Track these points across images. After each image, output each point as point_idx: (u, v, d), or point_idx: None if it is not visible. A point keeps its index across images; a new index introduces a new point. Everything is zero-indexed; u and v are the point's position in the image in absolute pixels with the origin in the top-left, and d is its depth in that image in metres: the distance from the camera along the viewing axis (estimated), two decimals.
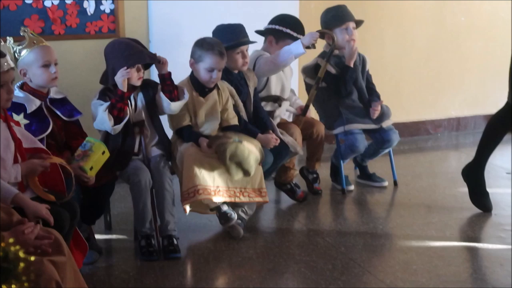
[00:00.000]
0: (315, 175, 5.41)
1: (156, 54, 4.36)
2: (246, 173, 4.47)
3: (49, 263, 2.85)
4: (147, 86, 4.44)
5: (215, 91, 4.62)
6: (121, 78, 4.20)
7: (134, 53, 4.31)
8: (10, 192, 3.28)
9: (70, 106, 4.17)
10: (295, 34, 5.04)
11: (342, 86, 5.31)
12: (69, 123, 4.15)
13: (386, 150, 5.51)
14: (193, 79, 4.59)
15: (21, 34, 3.99)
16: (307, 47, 4.89)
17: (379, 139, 5.43)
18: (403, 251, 4.42)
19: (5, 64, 3.40)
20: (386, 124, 5.40)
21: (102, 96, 4.28)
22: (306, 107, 5.25)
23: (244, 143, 4.43)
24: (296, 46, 4.85)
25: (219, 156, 4.41)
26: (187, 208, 4.43)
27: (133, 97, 4.37)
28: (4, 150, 3.40)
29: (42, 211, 3.26)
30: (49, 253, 2.93)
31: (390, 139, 5.39)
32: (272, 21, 5.17)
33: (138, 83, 4.34)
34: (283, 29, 5.09)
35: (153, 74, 5.34)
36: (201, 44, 4.52)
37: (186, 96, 4.41)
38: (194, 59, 4.55)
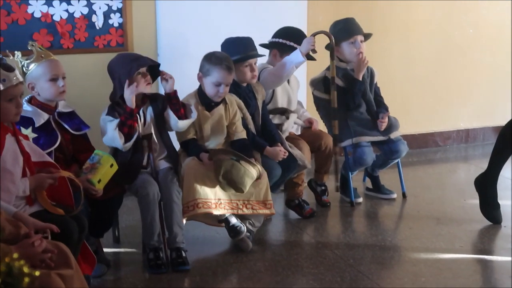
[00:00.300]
0: (323, 188, 5.41)
1: (162, 70, 4.37)
2: (238, 190, 4.46)
3: (56, 276, 2.86)
4: (156, 100, 4.45)
5: (221, 106, 4.62)
6: (130, 95, 4.22)
7: (136, 58, 4.37)
8: (9, 211, 3.28)
9: (78, 120, 4.19)
10: (298, 47, 5.05)
11: (350, 99, 5.31)
12: (77, 137, 4.16)
13: (395, 161, 5.50)
14: (200, 92, 4.60)
15: (29, 48, 4.01)
16: (310, 58, 4.91)
17: (387, 150, 5.42)
18: (412, 263, 4.40)
19: (14, 78, 3.42)
20: (394, 135, 5.39)
21: (111, 111, 4.30)
22: (334, 110, 5.24)
23: (241, 162, 4.42)
24: (295, 55, 4.87)
25: (214, 171, 4.42)
26: (184, 220, 4.42)
27: (142, 111, 4.39)
28: (12, 164, 3.42)
29: (40, 222, 3.25)
30: (52, 267, 2.93)
31: (398, 149, 5.38)
32: (276, 35, 5.17)
33: (147, 89, 4.36)
34: (287, 42, 5.10)
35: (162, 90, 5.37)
36: (210, 58, 4.53)
37: (194, 114, 4.41)
38: (202, 73, 4.55)
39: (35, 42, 4.10)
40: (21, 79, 3.51)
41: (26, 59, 4.00)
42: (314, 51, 4.95)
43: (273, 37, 5.18)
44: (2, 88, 3.38)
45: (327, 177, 5.39)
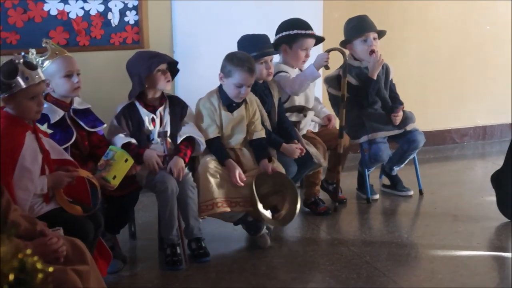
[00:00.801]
0: (334, 185, 5.38)
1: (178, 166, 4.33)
2: None
3: (72, 272, 2.87)
4: (176, 105, 4.47)
5: (242, 106, 4.61)
6: (151, 159, 4.25)
7: (155, 55, 4.38)
8: None
9: (93, 117, 4.20)
10: (303, 32, 5.03)
11: (364, 97, 5.29)
12: (93, 133, 4.17)
13: (413, 154, 5.45)
14: (221, 92, 4.58)
15: (43, 45, 4.02)
16: (325, 67, 4.91)
17: (404, 142, 5.40)
18: (428, 260, 4.38)
19: (37, 76, 3.45)
20: (410, 127, 5.37)
21: (122, 115, 4.32)
22: (341, 128, 5.17)
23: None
24: (310, 71, 4.88)
25: (257, 214, 4.46)
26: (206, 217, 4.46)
27: (159, 112, 4.40)
28: (31, 162, 3.44)
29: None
30: (61, 262, 2.94)
31: (415, 139, 5.35)
32: (278, 31, 5.12)
33: (167, 86, 4.38)
34: (290, 32, 5.07)
35: (178, 87, 5.38)
36: (231, 59, 4.49)
37: (202, 148, 4.45)
38: (224, 74, 4.52)
39: (49, 39, 4.11)
40: (43, 77, 3.53)
41: (41, 56, 4.01)
42: (327, 67, 4.94)
43: (276, 35, 5.13)
44: (24, 86, 3.41)
45: (339, 175, 5.34)
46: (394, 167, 5.58)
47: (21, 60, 3.45)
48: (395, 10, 6.56)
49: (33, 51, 4.01)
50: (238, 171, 4.44)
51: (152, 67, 4.27)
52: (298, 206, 4.57)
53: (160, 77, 4.32)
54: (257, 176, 4.48)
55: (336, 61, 5.14)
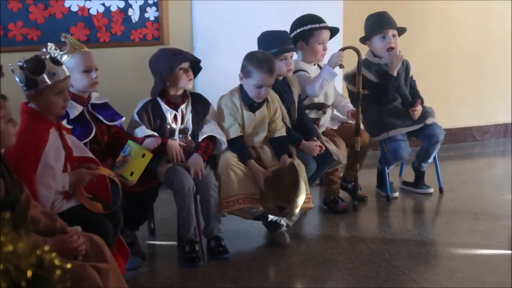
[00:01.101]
0: (353, 183, 5.36)
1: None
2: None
3: (91, 268, 2.87)
4: (199, 103, 4.47)
5: (264, 105, 4.60)
6: (171, 151, 4.26)
7: (177, 53, 4.36)
8: None
9: (111, 111, 4.21)
10: (317, 25, 5.04)
11: (383, 94, 5.26)
12: (112, 127, 4.18)
13: (436, 147, 5.40)
14: (242, 91, 4.56)
15: (62, 40, 4.03)
16: (340, 66, 4.90)
17: (424, 137, 5.38)
18: (448, 259, 4.36)
19: (62, 72, 3.47)
20: (429, 121, 5.35)
21: (144, 110, 4.32)
22: (357, 126, 5.16)
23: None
24: (327, 72, 4.89)
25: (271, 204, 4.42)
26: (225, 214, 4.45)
27: (181, 109, 4.40)
28: (54, 159, 3.46)
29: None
30: (78, 259, 2.95)
31: (434, 133, 5.32)
32: (292, 29, 5.11)
33: (188, 85, 4.37)
34: (305, 28, 5.06)
35: (198, 83, 5.36)
36: (251, 59, 4.47)
37: (223, 147, 4.45)
38: (243, 74, 4.50)
39: (68, 34, 4.12)
40: (67, 73, 3.55)
41: (60, 51, 4.01)
42: (341, 66, 4.94)
43: (290, 33, 5.09)
44: (51, 83, 3.43)
45: (357, 173, 5.31)
46: (422, 164, 5.53)
47: (47, 56, 3.47)
48: (416, 6, 6.53)
49: (52, 45, 4.01)
50: (262, 171, 4.44)
51: (174, 66, 4.26)
52: (300, 198, 4.51)
53: (182, 75, 4.31)
54: (273, 171, 4.47)
55: (354, 58, 5.12)
